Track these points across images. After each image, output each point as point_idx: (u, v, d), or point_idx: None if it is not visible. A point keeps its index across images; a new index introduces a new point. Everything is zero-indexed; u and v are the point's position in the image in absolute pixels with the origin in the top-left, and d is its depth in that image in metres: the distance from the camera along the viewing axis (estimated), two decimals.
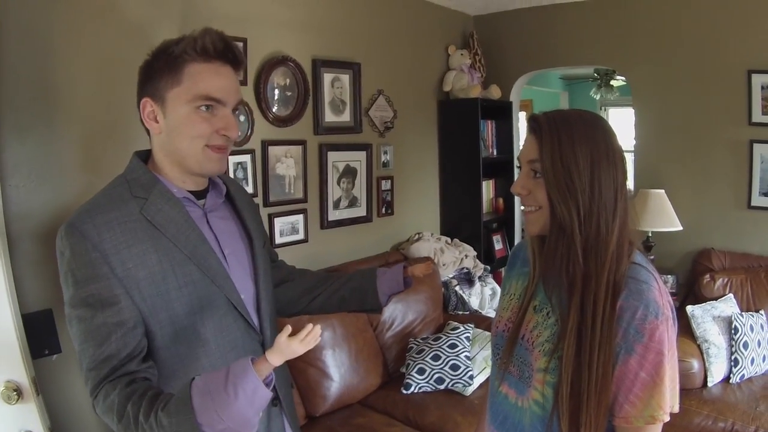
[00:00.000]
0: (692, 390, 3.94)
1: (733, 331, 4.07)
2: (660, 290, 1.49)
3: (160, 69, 1.62)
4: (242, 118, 3.75)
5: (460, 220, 5.71)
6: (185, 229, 1.66)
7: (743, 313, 4.24)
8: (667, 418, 1.46)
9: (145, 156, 1.76)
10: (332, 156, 4.52)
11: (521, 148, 1.62)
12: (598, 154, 1.49)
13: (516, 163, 1.60)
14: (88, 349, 1.51)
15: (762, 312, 4.30)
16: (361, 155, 4.80)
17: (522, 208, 1.64)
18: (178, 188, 1.70)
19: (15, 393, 2.18)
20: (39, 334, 2.73)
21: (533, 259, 1.68)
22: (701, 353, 4.06)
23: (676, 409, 1.49)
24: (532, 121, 1.58)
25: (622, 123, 10.98)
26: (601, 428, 1.45)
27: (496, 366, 1.74)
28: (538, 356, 1.56)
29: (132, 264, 1.55)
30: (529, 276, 1.70)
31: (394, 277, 2.09)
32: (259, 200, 3.94)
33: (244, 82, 3.73)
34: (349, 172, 4.70)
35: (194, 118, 1.62)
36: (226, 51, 1.66)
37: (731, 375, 4.02)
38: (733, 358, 4.03)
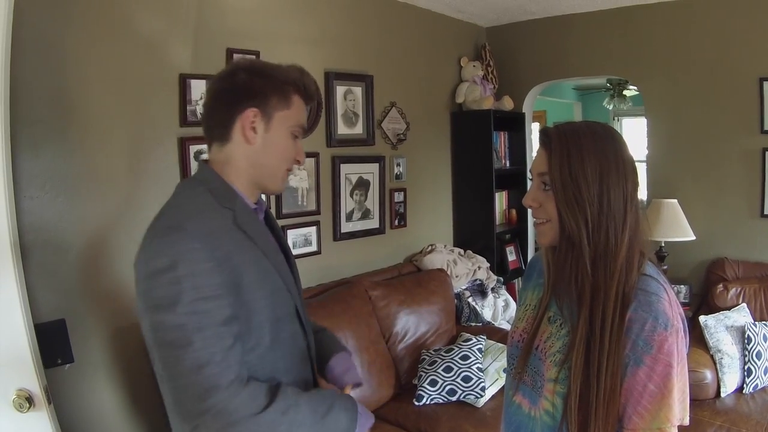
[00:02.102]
0: (705, 400, 3.93)
1: (746, 341, 4.05)
2: (670, 302, 1.50)
3: (270, 88, 1.72)
4: None
5: (473, 232, 5.72)
6: (266, 240, 1.76)
7: (756, 322, 4.21)
8: (674, 431, 1.46)
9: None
10: (345, 168, 4.55)
11: (533, 160, 1.65)
12: (607, 166, 1.51)
13: (528, 175, 1.62)
14: (215, 357, 1.49)
15: None
16: (374, 167, 4.82)
17: (534, 219, 1.66)
18: (248, 201, 1.77)
19: (27, 401, 2.18)
20: (52, 344, 2.76)
21: (546, 269, 1.69)
22: (714, 363, 4.03)
23: (686, 422, 1.49)
24: (543, 134, 1.60)
25: (635, 133, 10.96)
26: None
27: (511, 376, 1.76)
28: (550, 366, 1.57)
29: (238, 272, 1.58)
30: (543, 287, 1.72)
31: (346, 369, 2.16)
32: (272, 212, 3.95)
33: None
34: (362, 184, 4.72)
35: (289, 142, 1.76)
36: (314, 95, 1.86)
37: (744, 385, 4.00)
38: (746, 368, 4.01)
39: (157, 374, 1.60)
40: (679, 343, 1.46)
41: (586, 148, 1.51)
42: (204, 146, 3.46)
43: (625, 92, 9.20)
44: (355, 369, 2.16)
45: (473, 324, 4.90)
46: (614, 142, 1.57)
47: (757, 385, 3.99)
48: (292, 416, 1.57)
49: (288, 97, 1.74)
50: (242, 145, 1.72)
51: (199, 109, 3.45)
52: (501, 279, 5.51)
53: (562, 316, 1.60)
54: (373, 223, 4.88)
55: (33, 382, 2.24)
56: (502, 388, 1.95)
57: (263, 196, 1.91)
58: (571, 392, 1.48)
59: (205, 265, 1.51)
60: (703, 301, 4.84)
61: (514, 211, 6.09)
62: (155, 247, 1.54)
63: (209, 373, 1.47)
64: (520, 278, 5.84)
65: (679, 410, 1.46)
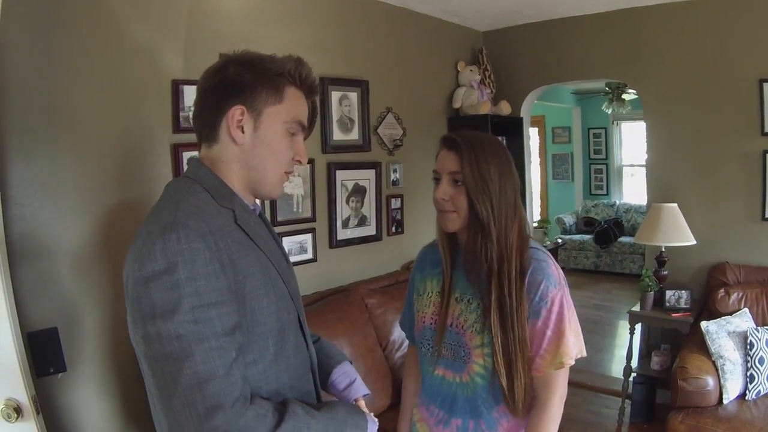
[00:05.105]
0: (707, 407, 3.88)
1: (748, 347, 4.01)
2: (554, 265, 1.96)
3: (259, 81, 1.58)
4: None
5: None
6: (270, 243, 1.66)
7: (759, 327, 4.17)
8: (572, 362, 1.90)
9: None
10: (341, 175, 4.51)
11: (437, 162, 2.00)
12: (502, 167, 1.93)
13: (432, 175, 2.05)
14: (218, 372, 1.35)
15: None
16: (370, 173, 4.79)
17: (439, 210, 2.00)
18: (247, 201, 1.66)
19: (15, 411, 2.17)
20: (44, 353, 2.74)
21: (445, 256, 2.07)
22: (716, 370, 3.97)
23: (584, 354, 1.95)
24: (450, 140, 1.97)
25: (634, 137, 10.97)
26: (529, 376, 1.91)
27: (428, 355, 2.10)
28: (472, 336, 1.95)
29: (242, 276, 1.47)
30: (443, 274, 2.08)
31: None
32: (266, 216, 3.92)
33: None
34: (358, 191, 4.69)
35: (284, 141, 1.62)
36: (313, 86, 1.72)
37: (747, 391, 3.95)
38: (748, 374, 3.96)
39: (149, 392, 1.48)
40: (566, 295, 1.93)
41: (487, 152, 1.91)
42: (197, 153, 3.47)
43: (624, 96, 9.21)
44: (359, 379, 2.04)
45: None
46: (504, 150, 2.00)
47: (759, 391, 3.94)
48: None
49: (280, 89, 1.60)
50: (230, 146, 1.60)
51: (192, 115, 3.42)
52: None
53: (471, 291, 1.98)
54: (370, 230, 4.84)
55: (21, 392, 2.23)
56: None
57: (258, 201, 1.78)
58: (495, 346, 1.87)
59: (209, 268, 1.38)
60: (704, 306, 4.80)
61: None
62: (150, 247, 1.38)
63: (212, 391, 1.34)
64: None
65: (576, 345, 1.92)
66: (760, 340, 4.01)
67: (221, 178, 1.61)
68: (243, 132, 1.58)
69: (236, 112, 1.56)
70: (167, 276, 1.35)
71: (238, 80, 1.58)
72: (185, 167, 3.39)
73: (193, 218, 1.42)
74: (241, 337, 1.45)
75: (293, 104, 1.63)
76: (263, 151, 1.60)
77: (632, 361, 4.95)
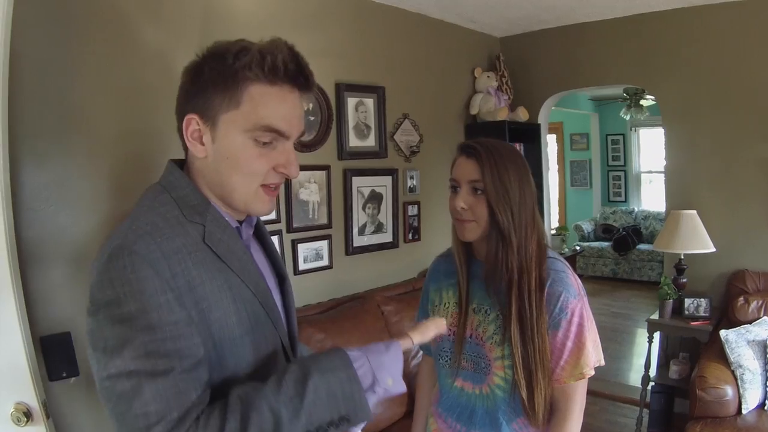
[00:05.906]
0: (726, 418, 3.82)
1: None
2: (573, 275, 1.94)
3: (213, 82, 1.33)
4: None
5: None
6: (246, 262, 1.42)
7: None
8: (592, 373, 1.89)
9: (181, 167, 1.47)
10: (357, 181, 4.51)
11: (455, 170, 1.98)
12: (521, 174, 1.91)
13: (450, 183, 2.01)
14: (171, 415, 1.19)
15: None
16: (387, 180, 4.78)
17: (457, 219, 1.96)
18: (227, 215, 1.45)
19: (24, 415, 2.17)
20: (57, 357, 2.75)
21: (461, 267, 2.05)
22: (735, 379, 3.92)
23: (603, 363, 1.94)
24: (469, 147, 1.93)
25: (653, 143, 10.90)
26: (549, 388, 1.88)
27: (447, 366, 2.07)
28: (492, 348, 1.93)
29: (205, 304, 1.29)
30: (458, 284, 2.06)
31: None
32: (282, 226, 3.95)
33: None
34: (375, 198, 4.68)
35: (251, 152, 1.36)
36: (297, 74, 1.37)
37: (766, 401, 3.89)
38: None
39: None
40: (585, 305, 1.91)
41: (507, 160, 1.89)
42: None
43: (642, 102, 9.14)
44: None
45: None
46: (522, 158, 1.98)
47: None
48: (256, 421, 1.21)
49: (238, 90, 1.32)
50: (196, 159, 1.41)
51: None
52: None
53: (489, 302, 1.96)
54: (387, 237, 4.82)
55: (31, 396, 2.23)
56: None
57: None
58: (515, 358, 1.85)
59: (161, 299, 1.21)
60: (723, 314, 4.75)
61: None
62: (99, 275, 1.23)
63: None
64: None
65: (595, 355, 1.90)
66: None
67: (196, 186, 1.42)
68: (203, 143, 1.37)
69: (190, 122, 1.36)
70: (116, 308, 1.20)
71: (193, 82, 1.38)
72: None
73: (142, 240, 1.25)
74: (207, 374, 1.28)
75: (256, 107, 1.33)
76: (224, 167, 1.37)
77: (650, 370, 4.90)
